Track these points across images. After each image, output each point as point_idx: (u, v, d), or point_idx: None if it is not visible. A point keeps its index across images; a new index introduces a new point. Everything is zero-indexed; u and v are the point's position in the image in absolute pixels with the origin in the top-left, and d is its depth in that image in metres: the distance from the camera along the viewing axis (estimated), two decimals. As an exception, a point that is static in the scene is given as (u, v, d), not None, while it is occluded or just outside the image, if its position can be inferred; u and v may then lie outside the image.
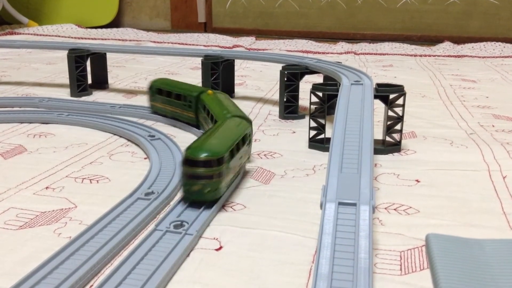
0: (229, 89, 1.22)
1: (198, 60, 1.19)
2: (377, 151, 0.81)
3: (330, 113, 0.90)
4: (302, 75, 1.03)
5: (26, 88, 1.28)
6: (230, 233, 0.55)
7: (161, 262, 0.47)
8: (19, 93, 1.23)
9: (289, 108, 1.03)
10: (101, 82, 1.30)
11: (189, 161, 0.58)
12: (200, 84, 1.15)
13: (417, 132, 0.94)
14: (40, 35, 2.43)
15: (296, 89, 1.03)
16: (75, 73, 1.20)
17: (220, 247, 0.53)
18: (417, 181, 0.71)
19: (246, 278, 0.47)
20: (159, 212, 0.60)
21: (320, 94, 0.86)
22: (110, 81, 1.36)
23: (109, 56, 1.34)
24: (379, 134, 0.85)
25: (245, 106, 1.12)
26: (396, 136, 0.84)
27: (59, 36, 2.41)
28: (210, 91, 0.87)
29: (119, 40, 2.34)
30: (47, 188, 0.67)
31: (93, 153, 0.81)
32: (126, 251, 0.52)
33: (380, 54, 2.03)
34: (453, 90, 1.32)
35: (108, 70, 1.34)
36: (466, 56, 1.97)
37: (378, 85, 0.84)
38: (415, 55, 2.00)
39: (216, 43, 2.28)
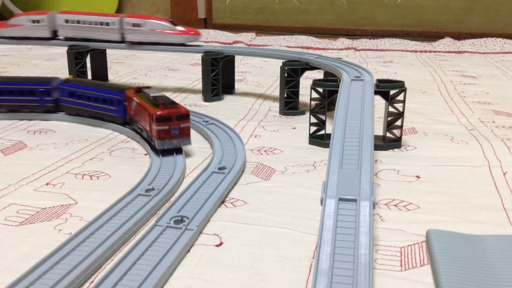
0: (230, 85, 1.22)
1: (198, 56, 1.19)
2: (377, 147, 0.81)
3: (330, 109, 0.90)
4: (302, 71, 1.03)
5: (26, 84, 1.28)
6: (230, 229, 0.56)
7: (162, 257, 0.47)
8: (19, 89, 1.23)
9: (289, 104, 1.03)
10: (101, 78, 1.30)
11: None
12: (200, 80, 1.15)
13: (417, 128, 0.94)
14: (40, 31, 2.43)
15: (297, 85, 1.03)
16: (75, 70, 1.20)
17: (221, 243, 0.53)
18: (418, 177, 0.71)
19: (246, 274, 0.47)
20: (160, 208, 0.60)
21: (321, 90, 0.85)
22: (110, 77, 1.36)
23: (109, 52, 1.34)
24: (379, 130, 0.85)
25: (245, 102, 1.12)
26: (396, 132, 0.84)
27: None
28: None
29: (119, 36, 2.33)
30: (47, 184, 0.67)
31: (94, 149, 0.81)
32: (126, 247, 0.52)
33: (381, 50, 2.03)
34: (454, 86, 1.32)
35: (108, 66, 1.33)
36: (467, 52, 1.97)
37: (379, 81, 0.84)
38: (416, 51, 2.00)
39: (216, 39, 2.27)
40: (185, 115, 0.75)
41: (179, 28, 1.14)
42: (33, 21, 1.21)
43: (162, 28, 1.14)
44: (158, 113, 0.73)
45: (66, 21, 1.21)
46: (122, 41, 1.19)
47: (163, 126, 0.73)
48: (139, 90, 0.85)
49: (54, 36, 1.24)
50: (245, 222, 0.57)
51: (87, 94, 0.91)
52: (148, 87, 0.87)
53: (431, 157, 0.78)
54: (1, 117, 0.97)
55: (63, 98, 0.95)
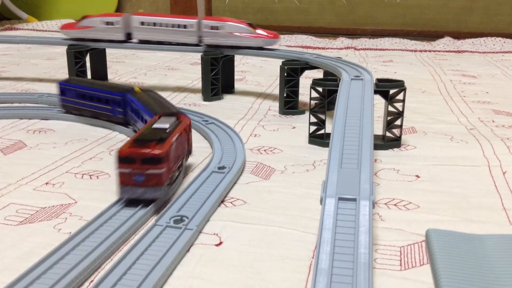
0: (229, 85, 1.22)
1: (198, 56, 1.19)
2: (377, 147, 0.81)
3: (330, 109, 0.90)
4: (302, 70, 1.03)
5: (25, 84, 1.28)
6: (230, 228, 0.55)
7: (161, 257, 0.47)
8: (18, 88, 1.23)
9: (289, 103, 1.03)
10: (100, 78, 1.30)
11: None
12: (199, 80, 1.15)
13: (417, 127, 0.94)
14: (40, 30, 2.43)
15: (296, 85, 1.03)
16: (74, 69, 1.20)
17: (220, 243, 0.53)
18: (417, 176, 0.71)
19: (246, 274, 0.47)
20: (159, 208, 0.60)
21: (320, 89, 0.85)
22: (110, 76, 1.36)
23: (108, 51, 1.34)
24: (379, 130, 0.85)
25: (245, 102, 1.12)
26: (396, 131, 0.84)
27: (58, 31, 2.41)
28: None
29: (118, 35, 2.33)
30: (47, 183, 0.67)
31: (93, 149, 0.81)
32: (126, 247, 0.52)
33: (380, 49, 2.03)
34: (453, 86, 1.32)
35: (107, 66, 1.33)
36: (466, 51, 1.97)
37: (378, 80, 0.84)
38: (415, 51, 2.00)
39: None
40: (155, 159, 0.57)
41: (258, 31, 1.11)
42: (107, 23, 1.18)
43: (240, 30, 1.10)
44: (120, 151, 0.58)
45: (142, 23, 1.17)
46: (199, 44, 1.16)
47: (124, 168, 0.58)
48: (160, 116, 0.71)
49: (128, 38, 1.20)
50: (244, 221, 0.57)
51: (138, 111, 0.82)
52: (179, 114, 0.72)
53: (430, 156, 0.78)
54: (0, 116, 0.96)
55: (128, 111, 0.88)
